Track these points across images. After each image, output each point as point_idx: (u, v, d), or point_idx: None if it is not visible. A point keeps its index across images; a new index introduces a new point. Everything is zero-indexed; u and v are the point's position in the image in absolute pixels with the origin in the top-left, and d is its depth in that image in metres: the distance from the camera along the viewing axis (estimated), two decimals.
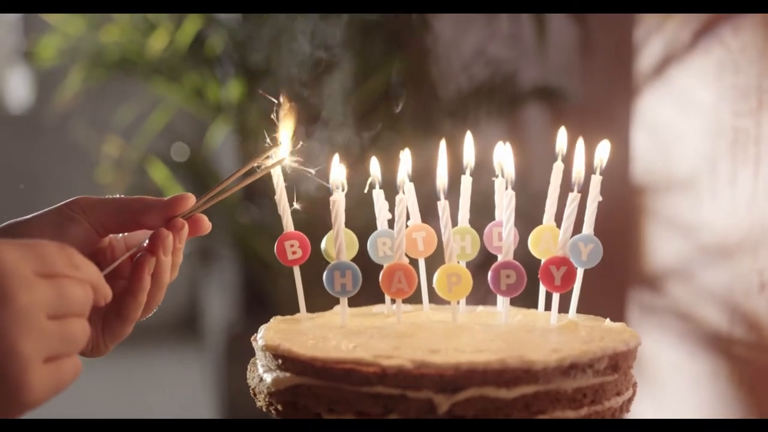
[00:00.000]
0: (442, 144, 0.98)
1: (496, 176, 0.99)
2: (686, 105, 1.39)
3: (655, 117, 1.48)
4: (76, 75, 1.99)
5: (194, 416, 2.64)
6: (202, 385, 2.86)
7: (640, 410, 0.96)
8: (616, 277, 1.52)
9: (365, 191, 0.98)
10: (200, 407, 2.69)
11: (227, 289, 2.78)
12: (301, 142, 0.95)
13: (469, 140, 0.99)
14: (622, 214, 1.52)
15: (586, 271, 0.95)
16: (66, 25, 1.98)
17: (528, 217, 1.07)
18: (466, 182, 1.00)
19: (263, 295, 2.15)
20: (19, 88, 3.65)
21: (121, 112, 2.05)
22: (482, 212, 1.05)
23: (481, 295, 1.04)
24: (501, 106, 1.87)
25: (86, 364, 2.23)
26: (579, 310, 0.97)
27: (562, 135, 0.96)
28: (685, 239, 1.39)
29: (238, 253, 2.22)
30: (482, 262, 1.04)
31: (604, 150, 0.95)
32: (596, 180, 0.93)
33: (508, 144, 0.96)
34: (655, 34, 1.47)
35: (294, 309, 1.01)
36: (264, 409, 0.90)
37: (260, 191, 2.19)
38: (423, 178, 1.05)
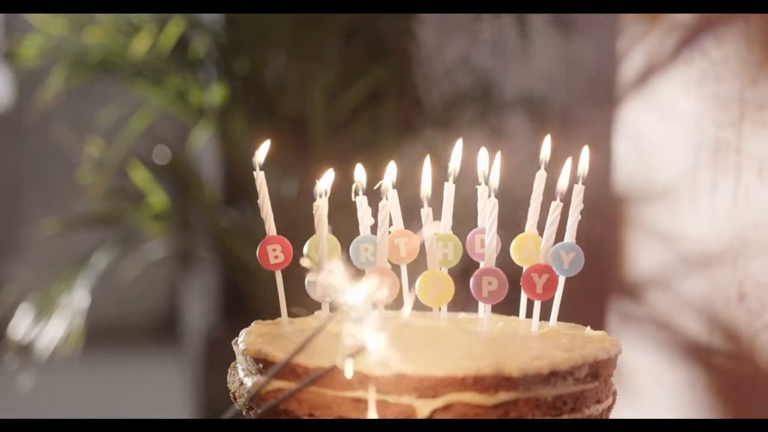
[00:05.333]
0: (427, 157, 0.98)
1: (479, 184, 0.99)
2: (668, 115, 1.40)
3: (637, 127, 1.49)
4: (57, 75, 1.98)
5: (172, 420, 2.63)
6: (181, 389, 2.85)
7: (619, 417, 0.96)
8: (596, 285, 1.53)
9: (353, 198, 0.98)
10: (178, 411, 2.68)
11: (206, 292, 2.77)
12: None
13: (458, 147, 0.99)
14: (603, 223, 1.53)
15: (566, 280, 0.95)
16: (48, 26, 1.98)
17: (508, 224, 1.07)
18: (450, 189, 1.00)
19: (243, 300, 2.15)
20: (0, 88, 3.63)
21: (103, 114, 2.04)
22: (463, 219, 1.05)
23: (461, 302, 1.04)
24: (483, 113, 1.87)
25: (63, 368, 2.20)
26: (559, 319, 0.97)
27: (547, 143, 0.96)
28: (665, 249, 1.40)
29: (218, 256, 2.22)
30: (463, 269, 1.04)
31: (584, 157, 0.95)
32: (579, 189, 0.94)
33: (498, 153, 0.96)
34: (638, 45, 1.48)
35: (273, 314, 1.01)
36: (244, 413, 0.90)
37: (241, 195, 2.19)
38: (405, 185, 1.05)
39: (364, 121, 1.94)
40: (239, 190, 2.19)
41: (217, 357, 2.45)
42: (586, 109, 1.66)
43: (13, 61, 2.11)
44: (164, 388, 2.99)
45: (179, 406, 2.73)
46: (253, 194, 0.99)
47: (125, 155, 2.07)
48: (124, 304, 3.32)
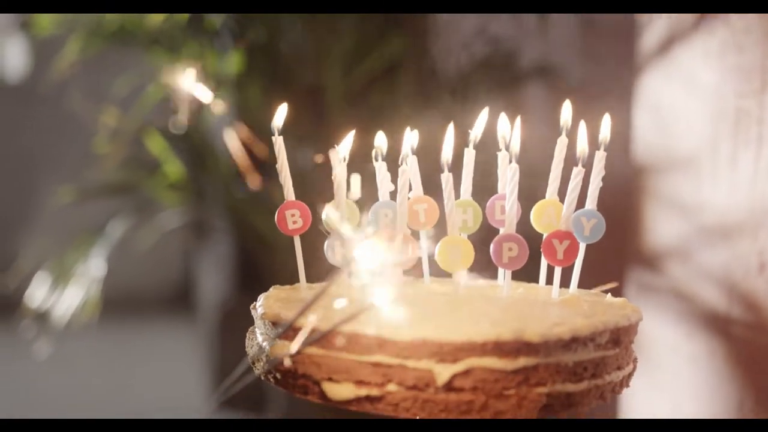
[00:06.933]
0: (451, 124, 0.97)
1: (500, 150, 0.98)
2: (689, 85, 1.39)
3: (658, 97, 1.48)
4: (73, 45, 1.97)
5: (187, 390, 2.64)
6: (195, 357, 2.86)
7: (637, 387, 0.96)
8: (615, 255, 1.52)
9: (373, 164, 0.98)
10: (192, 380, 2.69)
11: (221, 262, 2.77)
12: None
13: (483, 115, 0.99)
14: (623, 193, 1.52)
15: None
16: None
17: (526, 193, 1.06)
18: (470, 155, 0.99)
19: (257, 270, 2.15)
20: (16, 58, 3.63)
21: (119, 83, 2.04)
22: (481, 186, 1.05)
23: (479, 269, 1.04)
24: (501, 83, 1.86)
25: (79, 336, 2.20)
26: (577, 287, 0.97)
27: (567, 108, 0.96)
28: (685, 219, 1.39)
29: (233, 226, 2.22)
30: (483, 236, 1.04)
31: (606, 124, 0.95)
32: (600, 156, 0.93)
33: (518, 119, 0.96)
34: (659, 14, 1.47)
35: (288, 284, 1.01)
36: (262, 378, 0.90)
37: (256, 165, 2.18)
38: (422, 153, 1.05)
39: (380, 91, 1.93)
40: (255, 159, 2.19)
41: (231, 326, 2.45)
42: (606, 78, 1.65)
43: (29, 31, 2.10)
44: (178, 357, 3.00)
45: (193, 375, 2.74)
46: (268, 164, 0.99)
47: (141, 124, 2.06)
48: (140, 273, 3.33)
